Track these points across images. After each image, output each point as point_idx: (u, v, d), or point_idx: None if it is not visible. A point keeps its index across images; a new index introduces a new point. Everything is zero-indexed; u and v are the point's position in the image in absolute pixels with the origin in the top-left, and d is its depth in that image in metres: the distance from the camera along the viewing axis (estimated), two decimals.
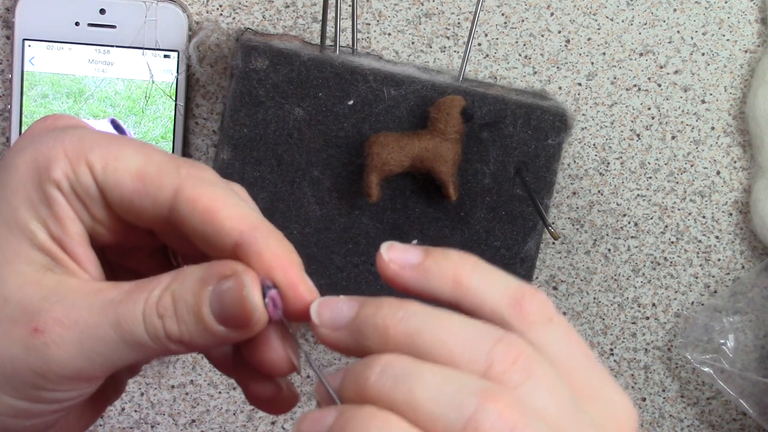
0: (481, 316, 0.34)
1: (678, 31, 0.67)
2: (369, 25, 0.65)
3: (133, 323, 0.34)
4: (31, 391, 0.35)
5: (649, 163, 0.68)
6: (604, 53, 0.67)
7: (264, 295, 0.34)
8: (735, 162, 0.69)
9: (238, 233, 0.34)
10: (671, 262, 0.69)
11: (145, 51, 0.63)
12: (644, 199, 0.68)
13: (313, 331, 0.34)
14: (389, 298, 0.33)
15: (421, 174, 0.61)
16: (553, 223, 0.68)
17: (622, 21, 0.67)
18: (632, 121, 0.68)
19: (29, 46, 0.62)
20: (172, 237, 0.38)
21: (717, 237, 0.69)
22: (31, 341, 0.34)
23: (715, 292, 0.70)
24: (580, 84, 0.67)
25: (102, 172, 0.36)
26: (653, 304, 0.70)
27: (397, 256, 0.35)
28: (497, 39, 0.66)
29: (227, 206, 0.35)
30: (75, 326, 0.34)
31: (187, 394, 0.68)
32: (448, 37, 0.66)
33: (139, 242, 0.39)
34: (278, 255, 0.34)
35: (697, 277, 0.70)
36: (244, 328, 0.34)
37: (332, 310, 0.34)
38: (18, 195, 0.36)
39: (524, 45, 0.66)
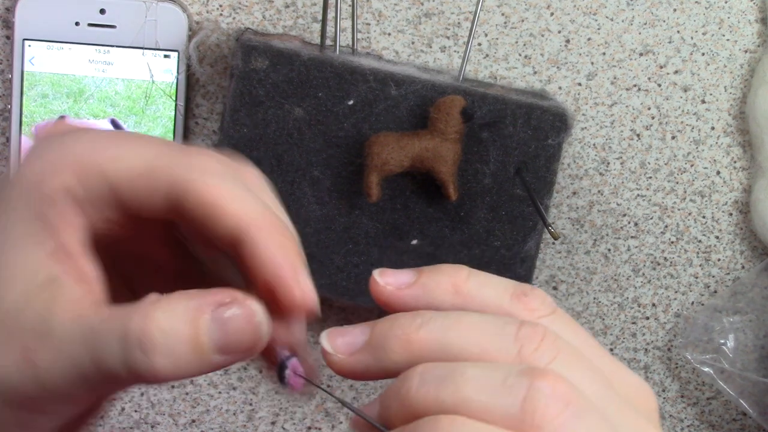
0: None
1: (678, 31, 0.67)
2: (369, 25, 0.65)
3: (109, 356, 0.33)
4: (16, 407, 0.35)
5: (649, 163, 0.68)
6: (604, 53, 0.67)
7: (285, 366, 0.34)
8: (735, 162, 0.69)
9: (237, 231, 0.34)
10: (671, 262, 0.69)
11: (145, 51, 0.63)
12: (644, 199, 0.68)
13: (327, 361, 0.34)
14: (399, 312, 0.33)
15: (421, 174, 0.61)
16: (553, 223, 0.68)
17: (622, 21, 0.67)
18: (632, 121, 0.68)
19: (29, 46, 0.62)
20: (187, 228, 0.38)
21: (717, 237, 0.69)
22: (19, 358, 0.34)
23: (715, 292, 0.70)
24: (580, 84, 0.67)
25: (113, 174, 0.35)
26: (653, 304, 0.70)
27: (392, 279, 0.35)
28: (497, 39, 0.66)
29: (229, 201, 0.35)
30: (57, 350, 0.33)
31: (187, 394, 0.68)
32: (448, 37, 0.66)
33: (153, 234, 0.39)
34: (272, 257, 0.34)
35: (697, 277, 0.70)
36: (246, 357, 0.34)
37: (344, 336, 0.34)
38: (24, 207, 0.35)
39: (524, 45, 0.66)
